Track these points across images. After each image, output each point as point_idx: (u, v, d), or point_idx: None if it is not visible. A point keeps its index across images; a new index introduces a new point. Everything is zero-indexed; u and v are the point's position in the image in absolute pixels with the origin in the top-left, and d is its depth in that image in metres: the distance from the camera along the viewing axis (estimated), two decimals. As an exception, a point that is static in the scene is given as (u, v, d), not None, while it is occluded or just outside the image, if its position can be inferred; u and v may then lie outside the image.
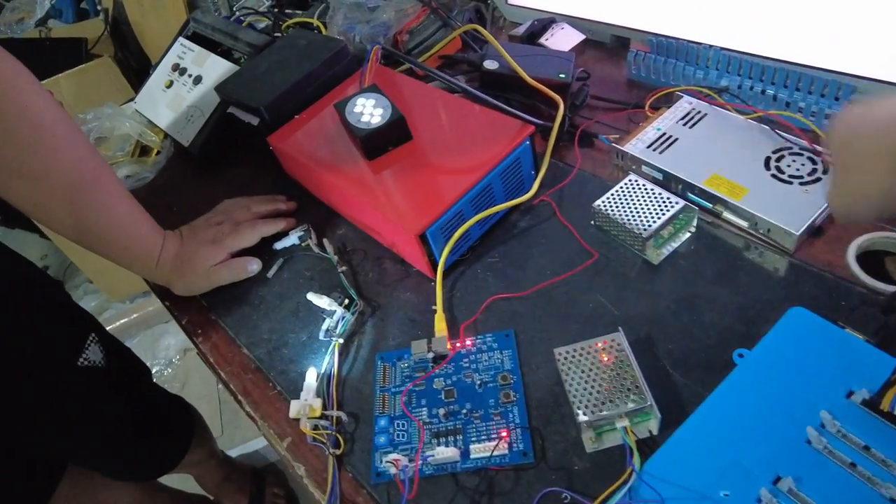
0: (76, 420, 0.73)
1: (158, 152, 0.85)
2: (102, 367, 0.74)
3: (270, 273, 0.63)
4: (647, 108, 0.64)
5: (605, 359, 0.44)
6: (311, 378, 0.52)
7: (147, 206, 0.62)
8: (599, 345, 0.45)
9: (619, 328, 0.45)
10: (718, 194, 0.53)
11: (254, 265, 0.63)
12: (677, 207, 0.52)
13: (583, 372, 0.43)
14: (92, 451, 0.79)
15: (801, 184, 0.52)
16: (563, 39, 0.74)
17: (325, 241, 0.63)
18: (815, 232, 0.51)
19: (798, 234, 0.48)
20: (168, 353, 1.56)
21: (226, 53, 0.84)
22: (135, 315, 1.62)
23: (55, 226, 0.58)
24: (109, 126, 0.86)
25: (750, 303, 0.48)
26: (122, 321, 1.59)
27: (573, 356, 0.45)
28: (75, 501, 0.81)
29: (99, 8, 2.02)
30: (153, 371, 1.55)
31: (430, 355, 0.50)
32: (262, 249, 0.65)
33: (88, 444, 0.77)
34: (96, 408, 0.75)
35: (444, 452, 0.44)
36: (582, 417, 0.41)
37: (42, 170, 0.53)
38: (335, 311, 0.56)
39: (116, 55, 1.91)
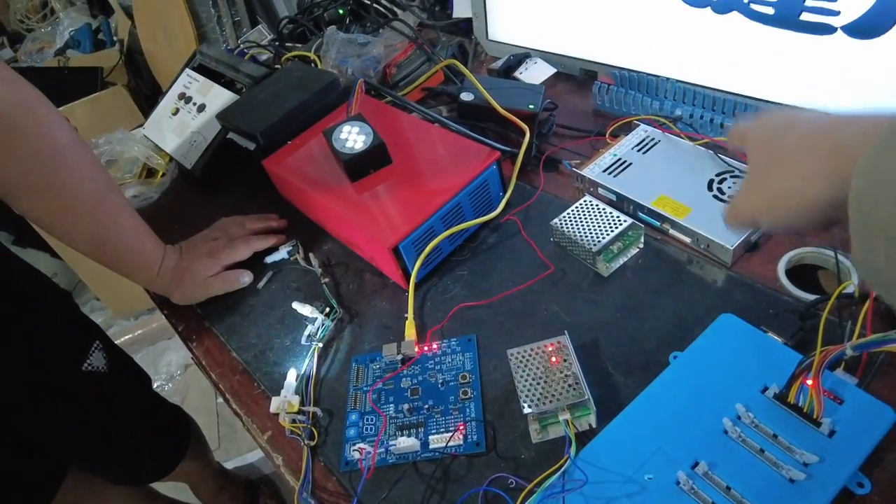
0: (79, 423, 0.78)
1: (163, 174, 0.92)
2: (105, 373, 0.79)
3: (261, 284, 0.69)
4: (607, 135, 0.69)
5: (554, 360, 0.49)
6: (291, 378, 0.57)
7: (152, 223, 0.68)
8: (549, 347, 0.50)
9: (566, 332, 0.50)
10: (664, 213, 0.58)
11: (246, 277, 0.69)
12: (625, 225, 0.57)
13: (532, 371, 0.48)
14: (92, 453, 0.83)
15: (738, 204, 0.57)
16: (536, 73, 0.81)
17: (311, 255, 0.68)
18: (751, 247, 0.56)
19: (733, 248, 0.54)
20: (170, 369, 1.61)
21: (229, 84, 0.91)
22: (139, 331, 1.68)
23: (69, 239, 0.64)
24: (119, 150, 0.93)
25: (688, 311, 0.53)
26: (126, 337, 1.65)
27: (524, 357, 0.49)
28: None
29: (115, 39, 2.13)
30: (155, 385, 1.60)
31: (399, 357, 0.55)
32: (255, 263, 0.70)
33: (89, 447, 0.82)
34: (98, 411, 0.80)
35: (405, 442, 0.49)
36: (527, 410, 0.46)
37: (61, 189, 0.59)
38: (316, 318, 0.61)
39: (130, 83, 2.00)
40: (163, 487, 1.08)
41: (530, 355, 0.49)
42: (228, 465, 1.29)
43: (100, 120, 1.61)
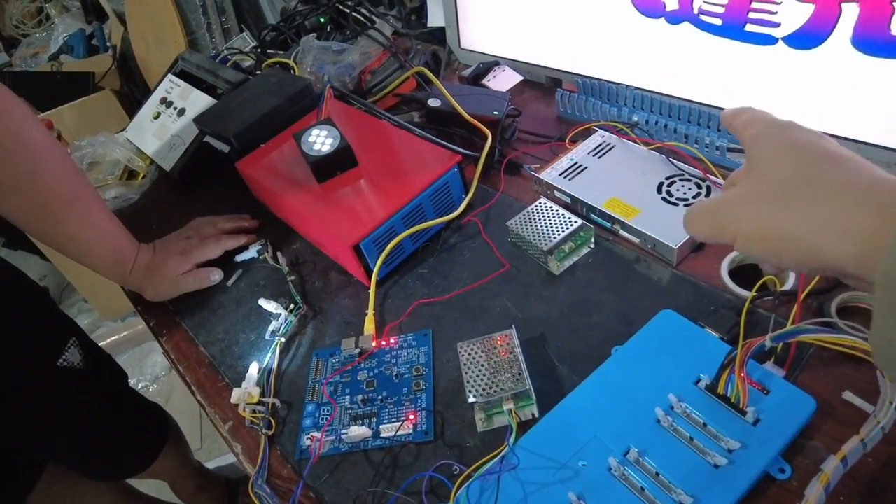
0: (54, 417, 0.80)
1: (144, 176, 0.94)
2: (80, 369, 0.81)
3: (230, 282, 0.71)
4: (567, 141, 0.72)
5: (502, 353, 0.51)
6: (252, 371, 0.59)
7: (131, 223, 0.71)
8: (497, 341, 0.52)
9: (513, 326, 0.52)
10: (614, 214, 0.60)
11: (216, 275, 0.71)
12: (576, 226, 0.59)
13: (479, 363, 0.50)
14: (68, 448, 0.85)
15: (685, 205, 0.59)
16: (504, 80, 0.83)
17: (279, 254, 0.70)
18: (697, 248, 0.58)
19: (677, 247, 0.56)
20: (154, 370, 1.63)
21: (210, 89, 0.94)
22: (125, 333, 1.69)
23: (43, 236, 0.66)
24: (102, 152, 0.95)
25: (633, 307, 0.55)
26: (112, 338, 1.67)
27: (473, 350, 0.51)
28: (51, 502, 0.87)
29: (108, 44, 2.16)
30: (139, 386, 1.62)
31: (357, 351, 0.57)
32: (225, 262, 0.73)
33: (65, 442, 0.84)
34: (73, 406, 0.82)
35: (357, 431, 0.51)
36: (472, 399, 0.48)
37: (35, 189, 0.61)
38: (280, 314, 0.63)
39: (122, 88, 2.03)
40: (143, 486, 1.10)
41: (479, 348, 0.51)
42: (210, 465, 1.30)
43: (88, 123, 1.64)
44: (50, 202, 0.63)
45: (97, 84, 1.89)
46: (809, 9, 0.56)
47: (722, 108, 0.65)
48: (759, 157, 0.32)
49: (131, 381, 1.42)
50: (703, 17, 0.63)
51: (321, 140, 0.69)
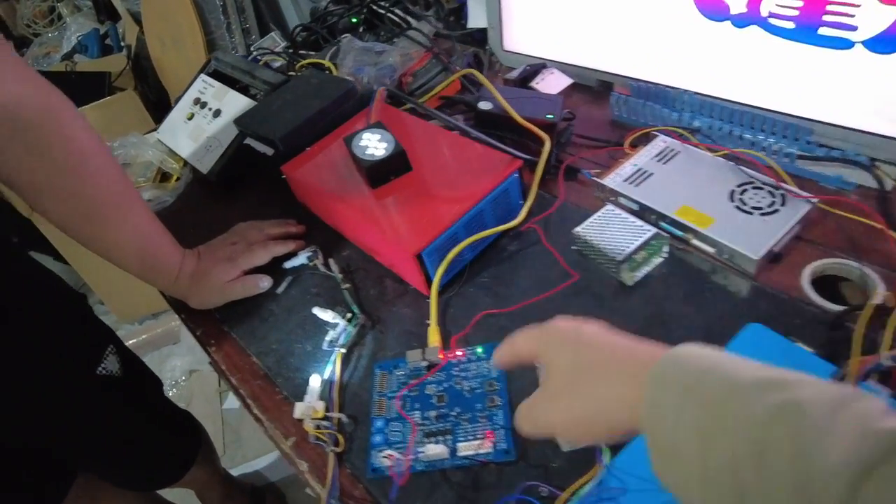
0: (91, 426, 0.78)
1: (178, 178, 0.92)
2: (119, 377, 0.79)
3: (280, 289, 0.69)
4: (626, 146, 0.70)
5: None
6: (314, 383, 0.57)
7: (167, 227, 0.68)
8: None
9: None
10: (687, 223, 0.58)
11: (265, 282, 0.69)
12: (649, 234, 0.57)
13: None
14: (103, 458, 0.83)
15: (761, 214, 0.57)
16: (552, 83, 0.81)
17: (330, 261, 0.68)
18: (774, 258, 0.56)
19: (757, 258, 0.54)
20: (174, 374, 1.60)
21: (243, 90, 0.92)
22: (143, 336, 1.67)
23: (88, 242, 0.63)
24: (134, 154, 0.93)
25: (714, 321, 0.53)
26: (131, 342, 1.64)
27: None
28: None
29: (122, 44, 2.13)
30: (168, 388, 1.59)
31: (424, 364, 0.55)
32: (273, 268, 0.70)
33: (101, 452, 0.81)
34: (111, 416, 0.80)
35: (434, 449, 0.49)
36: (566, 447, 0.45)
37: (82, 193, 0.59)
38: (338, 323, 0.61)
39: (136, 88, 2.01)
40: (169, 494, 1.07)
41: (558, 363, 0.49)
42: (234, 472, 1.28)
43: (110, 124, 1.61)
44: (96, 206, 0.61)
45: (112, 84, 1.86)
46: (893, 11, 0.54)
47: (792, 115, 0.64)
48: (547, 360, 0.38)
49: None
50: (772, 21, 0.61)
51: (374, 144, 0.67)
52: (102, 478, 0.85)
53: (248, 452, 1.39)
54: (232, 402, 1.51)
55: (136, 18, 2.04)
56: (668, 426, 0.29)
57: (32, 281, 0.74)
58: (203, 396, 1.54)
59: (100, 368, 0.76)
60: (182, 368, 1.61)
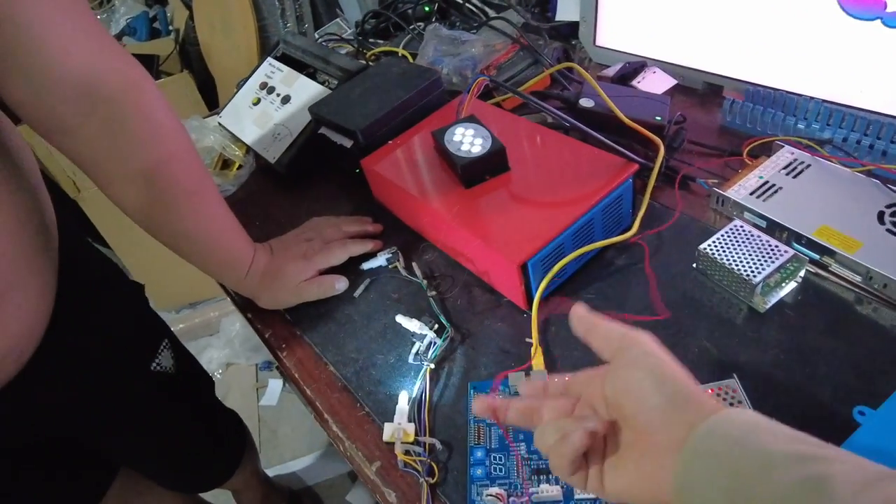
0: (143, 424, 0.73)
1: (240, 167, 0.87)
2: (172, 374, 0.74)
3: (357, 293, 0.63)
4: (745, 155, 0.63)
5: (717, 406, 0.43)
6: (402, 402, 0.51)
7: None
8: (711, 391, 0.44)
9: (734, 375, 0.44)
10: (830, 246, 0.52)
11: (342, 283, 0.63)
12: (787, 256, 0.51)
13: (697, 418, 0.42)
14: (151, 456, 0.79)
15: (918, 240, 0.50)
16: (654, 83, 0.75)
17: (413, 264, 0.63)
18: (932, 291, 0.49)
19: (918, 291, 0.47)
20: (210, 367, 1.57)
21: (310, 76, 0.87)
22: (181, 326, 1.63)
23: (156, 230, 0.59)
24: (195, 138, 0.88)
25: (867, 358, 0.46)
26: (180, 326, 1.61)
27: (685, 400, 0.43)
28: None
29: (170, 28, 2.11)
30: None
31: (529, 388, 0.49)
32: (350, 269, 0.65)
33: (149, 450, 0.77)
34: (161, 414, 0.75)
35: (549, 490, 0.43)
36: None
37: (157, 177, 0.54)
38: (426, 335, 0.56)
39: (189, 72, 1.98)
40: (206, 494, 1.03)
41: (694, 400, 0.43)
42: (269, 473, 1.23)
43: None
44: (169, 192, 0.56)
45: (159, 68, 1.84)
46: None
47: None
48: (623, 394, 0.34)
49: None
50: (937, 21, 0.54)
51: (469, 140, 0.62)
52: (149, 478, 0.81)
53: (285, 453, 1.35)
54: (269, 398, 1.47)
55: (186, 2, 2.01)
56: (700, 492, 0.28)
57: (89, 266, 0.69)
58: (239, 391, 1.50)
59: (154, 364, 0.72)
60: (219, 361, 1.58)
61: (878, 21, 0.58)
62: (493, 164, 0.61)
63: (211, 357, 1.57)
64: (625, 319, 0.51)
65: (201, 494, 1.02)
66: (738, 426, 0.29)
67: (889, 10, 0.57)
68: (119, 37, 2.10)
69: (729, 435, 0.29)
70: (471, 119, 0.64)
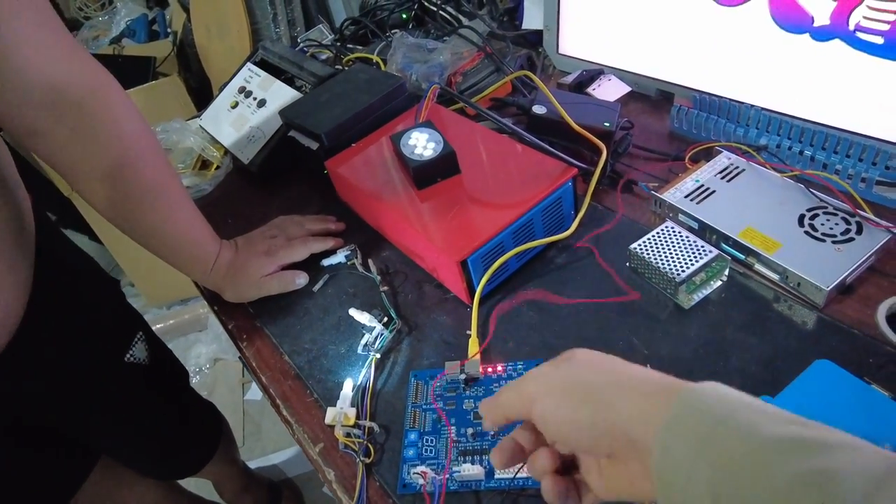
0: (117, 413, 0.77)
1: (218, 167, 0.91)
2: (146, 365, 0.78)
3: (316, 287, 0.67)
4: (686, 160, 0.66)
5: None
6: (347, 388, 0.55)
7: (205, 216, 0.67)
8: (627, 380, 0.47)
9: (647, 365, 0.47)
10: (752, 246, 0.55)
11: (302, 278, 0.67)
12: (710, 256, 0.54)
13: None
14: (126, 444, 0.82)
15: (833, 242, 0.53)
16: (609, 90, 0.78)
17: (369, 261, 0.66)
18: (845, 289, 0.52)
19: (828, 289, 0.50)
20: (199, 361, 1.61)
21: (289, 81, 0.90)
22: (171, 321, 1.68)
23: (125, 226, 0.62)
24: (175, 139, 0.92)
25: (777, 353, 0.49)
26: (157, 326, 1.65)
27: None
28: (100, 494, 0.84)
29: (169, 30, 2.16)
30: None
31: (462, 377, 0.53)
32: (311, 265, 0.69)
33: (124, 438, 0.81)
34: (136, 404, 0.79)
35: (470, 470, 0.46)
36: None
37: (124, 176, 0.58)
38: (374, 327, 0.59)
39: (179, 75, 2.02)
40: (187, 483, 1.06)
41: (608, 388, 0.46)
42: (252, 465, 1.27)
43: (153, 109, 1.62)
44: (137, 191, 0.60)
45: (156, 69, 1.88)
46: None
47: (872, 137, 0.60)
48: (539, 410, 0.33)
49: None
50: (860, 35, 0.57)
51: (422, 144, 0.65)
52: (125, 465, 0.85)
53: (268, 446, 1.38)
54: (254, 393, 1.51)
55: (184, 5, 2.06)
56: (681, 482, 0.25)
57: (67, 261, 0.73)
58: (226, 386, 1.54)
59: (128, 356, 0.75)
60: (207, 356, 1.62)
61: (807, 35, 0.61)
62: (443, 167, 0.64)
63: (199, 352, 1.61)
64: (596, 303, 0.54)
65: (183, 484, 1.06)
66: (719, 400, 0.26)
67: (816, 24, 0.60)
68: (118, 39, 2.15)
69: (709, 412, 0.25)
70: (427, 124, 0.68)
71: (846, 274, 0.51)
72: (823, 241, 0.54)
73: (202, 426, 0.95)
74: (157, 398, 0.82)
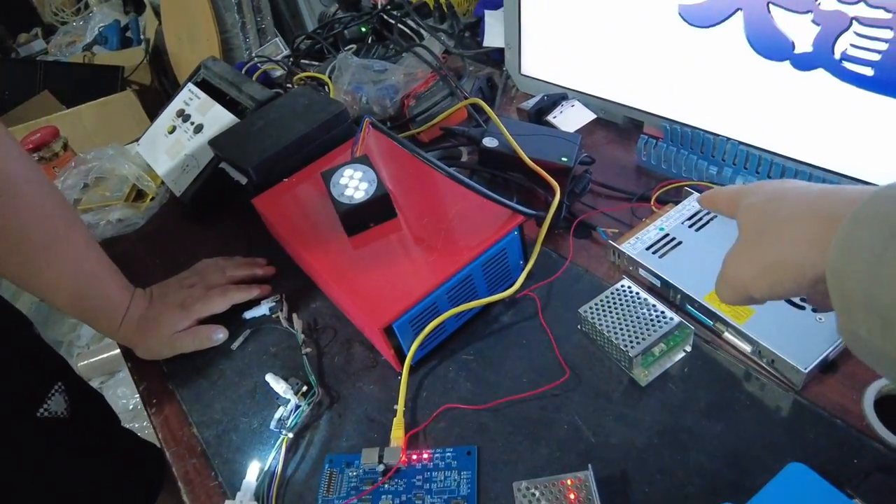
0: (32, 474, 0.69)
1: (153, 198, 0.83)
2: (64, 419, 0.71)
3: (235, 345, 0.60)
4: (652, 201, 0.59)
5: (572, 497, 0.39)
6: (251, 475, 0.47)
7: (133, 253, 0.61)
8: (567, 482, 0.40)
9: (589, 466, 0.40)
10: (720, 313, 0.47)
11: (219, 334, 0.60)
12: (671, 325, 0.46)
13: (541, 515, 0.38)
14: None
15: (814, 310, 0.46)
16: (572, 117, 0.71)
17: (294, 315, 0.59)
18: (827, 367, 0.45)
19: (807, 371, 0.42)
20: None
21: (231, 104, 0.83)
22: (115, 350, 1.59)
23: (21, 282, 0.56)
24: (109, 167, 0.85)
25: (744, 446, 0.42)
26: (114, 352, 1.57)
27: (534, 493, 0.39)
28: None
29: (142, 37, 2.09)
30: (140, 407, 1.51)
31: (381, 468, 0.45)
32: (232, 317, 0.61)
33: (42, 499, 0.73)
34: (54, 462, 0.71)
35: (376, 592, 0.39)
36: None
37: (8, 227, 0.51)
38: (290, 399, 0.52)
39: (153, 83, 1.95)
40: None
41: (543, 495, 0.39)
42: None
43: (108, 125, 1.55)
44: (25, 243, 0.53)
45: (126, 78, 1.81)
46: None
47: (862, 180, 0.52)
48: (740, 221, 0.35)
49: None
50: (846, 65, 0.50)
51: (354, 184, 0.58)
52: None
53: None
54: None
55: (158, 12, 1.99)
56: (864, 269, 0.24)
57: None
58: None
59: (41, 410, 0.68)
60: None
61: (788, 62, 0.53)
62: (377, 210, 0.57)
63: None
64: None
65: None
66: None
67: (797, 51, 0.52)
68: (90, 46, 2.08)
69: None
70: (362, 160, 0.60)
71: (829, 351, 0.43)
72: (803, 308, 0.46)
73: (140, 473, 0.88)
74: (80, 454, 0.74)
